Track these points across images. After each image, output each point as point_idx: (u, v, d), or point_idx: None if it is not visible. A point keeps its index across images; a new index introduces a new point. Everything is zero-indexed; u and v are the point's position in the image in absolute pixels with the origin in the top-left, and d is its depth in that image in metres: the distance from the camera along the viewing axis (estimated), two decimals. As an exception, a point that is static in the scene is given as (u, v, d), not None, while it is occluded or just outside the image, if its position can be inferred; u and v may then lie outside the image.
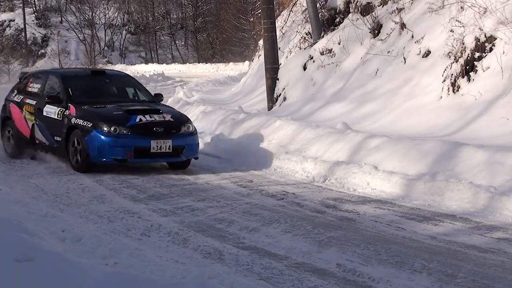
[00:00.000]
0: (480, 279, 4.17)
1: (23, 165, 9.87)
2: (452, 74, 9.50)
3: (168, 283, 3.78)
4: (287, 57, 16.14)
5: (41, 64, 54.09)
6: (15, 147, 10.08)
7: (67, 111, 8.94)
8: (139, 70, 50.56)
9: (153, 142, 8.30)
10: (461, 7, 10.00)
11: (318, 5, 15.01)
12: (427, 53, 10.51)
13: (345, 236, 5.27)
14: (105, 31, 63.42)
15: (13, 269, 3.64)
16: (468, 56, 9.29)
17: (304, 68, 14.46)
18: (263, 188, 7.32)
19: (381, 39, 12.20)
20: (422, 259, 4.60)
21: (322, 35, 14.57)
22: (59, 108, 9.11)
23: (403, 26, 11.57)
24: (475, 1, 9.50)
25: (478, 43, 9.20)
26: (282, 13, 21.15)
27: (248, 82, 21.27)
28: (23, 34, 61.11)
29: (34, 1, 65.78)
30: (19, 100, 10.14)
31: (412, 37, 11.10)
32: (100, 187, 7.87)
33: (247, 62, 42.49)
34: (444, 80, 9.65)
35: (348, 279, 4.30)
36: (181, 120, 9.01)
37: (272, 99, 14.71)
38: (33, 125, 9.64)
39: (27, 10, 63.42)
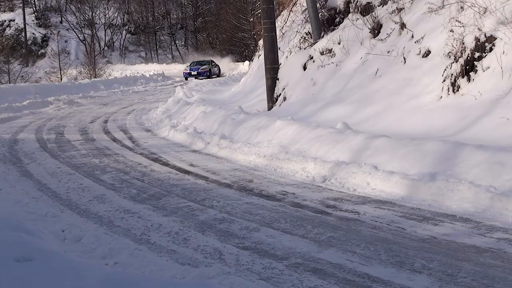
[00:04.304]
0: (480, 279, 4.17)
1: (24, 165, 9.89)
2: (452, 74, 9.50)
3: (168, 283, 3.79)
4: (287, 57, 16.14)
5: (41, 64, 54.09)
6: None
7: None
8: (139, 70, 50.66)
9: None
10: (461, 7, 10.00)
11: (318, 5, 15.02)
12: (427, 53, 10.51)
13: (345, 236, 5.27)
14: (105, 31, 63.50)
15: (13, 269, 3.64)
16: (468, 56, 9.29)
17: (304, 68, 14.48)
18: (263, 188, 7.32)
19: (381, 39, 12.20)
20: (422, 259, 4.60)
21: (322, 35, 14.59)
22: None
23: (403, 26, 11.57)
24: (475, 1, 9.50)
25: (478, 43, 9.19)
26: (282, 13, 21.16)
27: (248, 82, 21.28)
28: (23, 34, 61.13)
29: (34, 1, 65.78)
30: None
31: (412, 37, 11.11)
32: (100, 187, 7.88)
33: (247, 62, 42.56)
34: (444, 80, 9.65)
35: (348, 279, 4.31)
36: None
37: (272, 99, 14.72)
38: None
39: (27, 10, 63.45)
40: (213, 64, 43.87)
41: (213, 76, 41.15)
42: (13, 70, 39.52)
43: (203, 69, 41.53)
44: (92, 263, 4.35)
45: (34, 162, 10.13)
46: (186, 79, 40.74)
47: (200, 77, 39.78)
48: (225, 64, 48.23)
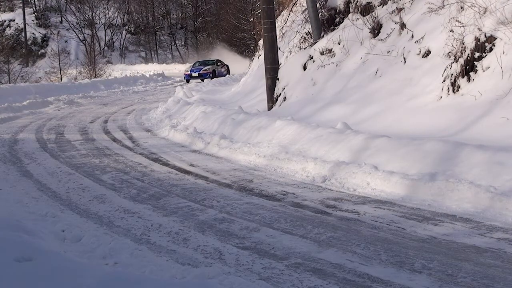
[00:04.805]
0: (480, 279, 4.18)
1: (24, 165, 9.89)
2: (452, 74, 9.50)
3: (168, 283, 3.79)
4: (287, 57, 16.14)
5: (41, 64, 54.09)
6: None
7: None
8: (139, 70, 50.66)
9: None
10: (461, 7, 10.01)
11: (318, 5, 15.02)
12: (427, 53, 10.51)
13: (345, 236, 5.27)
14: (105, 31, 63.50)
15: (13, 269, 3.64)
16: (468, 56, 9.29)
17: (304, 68, 14.48)
18: (263, 188, 7.32)
19: (381, 39, 12.20)
20: (422, 259, 4.60)
21: (322, 35, 14.59)
22: None
23: (403, 26, 11.57)
24: (475, 1, 9.50)
25: (478, 43, 9.19)
26: (282, 13, 21.16)
27: (248, 82, 21.27)
28: (23, 34, 61.13)
29: (34, 1, 65.77)
30: None
31: (412, 37, 11.11)
32: (100, 187, 7.89)
33: (247, 62, 42.42)
34: (444, 80, 9.65)
35: (348, 279, 4.31)
36: None
37: (272, 99, 14.72)
38: None
39: (27, 10, 63.44)
40: (219, 64, 39.59)
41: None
42: (13, 70, 39.54)
43: (205, 70, 37.28)
44: (92, 263, 4.36)
45: (34, 162, 10.13)
46: (188, 81, 35.99)
47: (203, 79, 35.09)
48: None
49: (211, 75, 36.61)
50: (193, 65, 40.49)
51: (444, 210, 5.88)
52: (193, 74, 37.10)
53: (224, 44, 53.59)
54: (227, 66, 40.45)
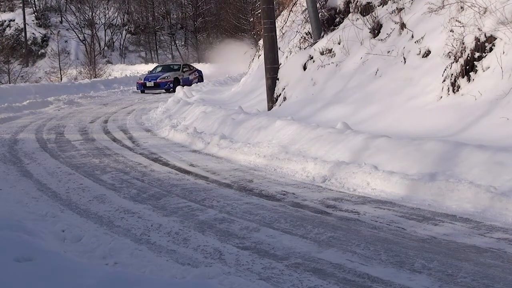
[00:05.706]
0: (480, 279, 4.17)
1: (24, 165, 9.89)
2: (452, 74, 9.50)
3: (168, 283, 3.79)
4: (287, 57, 16.14)
5: (41, 64, 54.09)
6: None
7: None
8: (139, 70, 50.65)
9: None
10: (461, 7, 10.01)
11: (318, 5, 15.02)
12: (427, 53, 10.51)
13: (345, 236, 5.27)
14: (105, 31, 63.51)
15: (13, 269, 3.64)
16: (468, 56, 9.29)
17: (304, 68, 14.48)
18: (263, 188, 7.32)
19: (381, 39, 12.20)
20: (422, 259, 4.60)
21: (322, 35, 14.59)
22: None
23: (403, 26, 11.57)
24: (475, 1, 9.50)
25: (478, 43, 9.19)
26: (282, 13, 21.16)
27: (248, 82, 21.27)
28: (23, 34, 61.12)
29: (34, 1, 65.77)
30: None
31: (412, 37, 11.11)
32: (100, 187, 7.89)
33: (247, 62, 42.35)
34: (444, 80, 9.65)
35: (348, 279, 4.31)
36: None
37: (272, 99, 14.71)
38: None
39: (27, 10, 63.44)
40: (185, 69, 31.78)
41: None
42: (13, 70, 39.56)
43: (163, 78, 29.29)
44: (92, 263, 4.36)
45: (34, 162, 10.13)
46: (142, 92, 28.82)
47: (159, 90, 28.38)
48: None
49: (171, 84, 28.97)
50: (152, 70, 32.35)
51: (444, 210, 5.88)
52: (148, 83, 29.08)
53: (226, 40, 52.93)
54: (199, 72, 33.35)
